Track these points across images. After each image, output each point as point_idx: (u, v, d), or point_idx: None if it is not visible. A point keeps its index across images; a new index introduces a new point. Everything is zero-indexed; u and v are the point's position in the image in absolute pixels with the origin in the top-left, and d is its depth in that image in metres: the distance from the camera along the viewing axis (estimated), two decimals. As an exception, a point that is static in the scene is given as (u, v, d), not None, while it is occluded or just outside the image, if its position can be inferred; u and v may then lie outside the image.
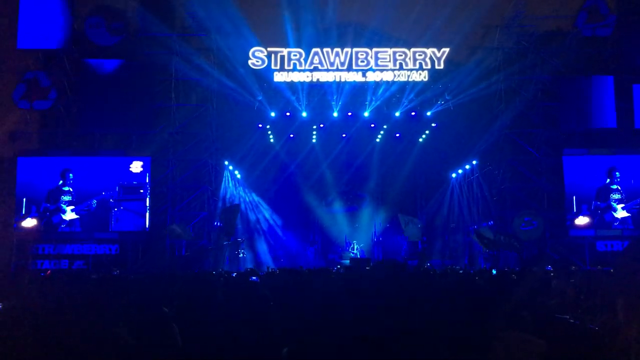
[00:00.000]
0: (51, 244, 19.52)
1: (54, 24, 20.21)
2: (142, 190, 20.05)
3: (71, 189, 19.91)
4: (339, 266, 21.26)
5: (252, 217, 25.81)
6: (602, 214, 20.21)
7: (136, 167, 19.94)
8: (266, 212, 26.78)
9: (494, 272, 10.65)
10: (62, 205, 19.73)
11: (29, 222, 19.49)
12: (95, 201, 19.78)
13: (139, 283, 6.55)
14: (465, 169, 24.77)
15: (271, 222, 26.90)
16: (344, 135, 23.88)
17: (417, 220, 23.51)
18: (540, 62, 20.91)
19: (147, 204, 20.09)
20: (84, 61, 20.78)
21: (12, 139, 21.20)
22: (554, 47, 21.01)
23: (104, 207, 19.91)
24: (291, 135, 23.63)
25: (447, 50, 20.69)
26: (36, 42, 20.21)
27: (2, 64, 20.74)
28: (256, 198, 26.42)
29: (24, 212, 19.58)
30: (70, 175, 20.01)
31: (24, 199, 19.71)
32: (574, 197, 20.27)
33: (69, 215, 19.74)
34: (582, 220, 20.17)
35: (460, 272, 12.87)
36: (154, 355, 3.92)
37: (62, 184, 19.89)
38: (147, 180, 20.08)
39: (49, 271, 17.86)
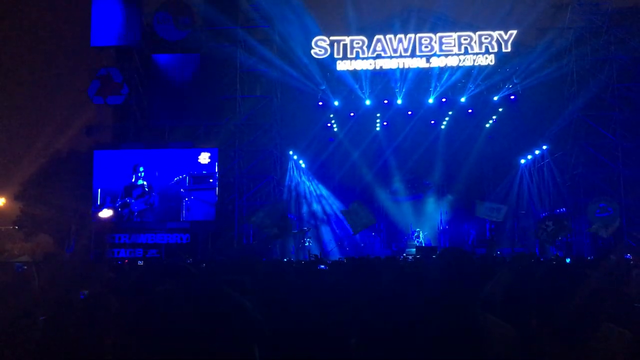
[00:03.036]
0: (126, 233, 20.34)
1: (125, 21, 21.00)
2: (211, 180, 20.52)
3: (145, 182, 20.64)
4: (404, 254, 21.14)
5: (316, 206, 26.02)
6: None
7: (204, 158, 20.44)
8: (330, 200, 26.89)
9: (568, 260, 10.30)
10: (132, 200, 20.47)
11: (106, 213, 20.37)
12: (155, 197, 20.42)
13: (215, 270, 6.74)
14: (535, 154, 23.98)
15: (336, 210, 27.00)
16: (407, 122, 23.58)
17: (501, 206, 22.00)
18: (615, 42, 19.92)
19: (216, 194, 20.58)
20: (153, 56, 21.50)
21: (88, 133, 22.25)
22: (630, 24, 19.94)
23: (176, 198, 20.52)
24: (354, 123, 23.55)
25: (514, 32, 20.04)
26: (109, 39, 21.09)
27: (78, 62, 21.75)
28: (321, 187, 26.59)
29: (99, 203, 20.50)
30: (141, 168, 20.70)
31: (99, 190, 20.62)
32: (653, 183, 19.29)
33: (137, 207, 20.46)
34: (661, 207, 19.18)
35: (532, 260, 12.50)
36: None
37: (134, 180, 20.67)
38: (215, 171, 20.56)
39: (126, 260, 18.73)
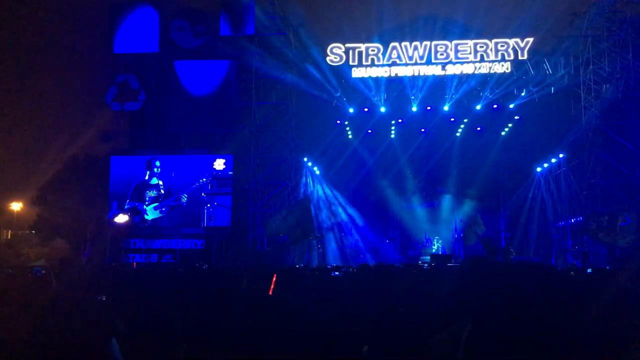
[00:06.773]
0: (141, 238, 20.43)
1: (143, 29, 21.20)
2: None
3: (160, 182, 20.54)
4: (419, 262, 21.03)
5: (331, 212, 25.96)
6: None
7: (219, 164, 20.48)
8: (345, 207, 26.83)
9: (589, 270, 10.16)
10: (144, 206, 20.38)
11: (121, 218, 20.48)
12: (185, 195, 20.28)
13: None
14: (552, 162, 23.77)
15: (350, 217, 26.92)
16: (422, 129, 23.52)
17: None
18: (634, 49, 19.70)
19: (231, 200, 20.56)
20: (169, 63, 21.65)
21: (105, 140, 22.45)
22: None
23: (197, 203, 20.33)
24: (369, 131, 23.53)
25: (530, 40, 19.95)
26: (128, 46, 21.31)
27: (95, 68, 21.97)
28: (335, 194, 26.53)
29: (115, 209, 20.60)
30: (157, 163, 20.51)
31: (116, 196, 20.70)
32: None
33: (151, 214, 20.41)
34: (681, 216, 18.86)
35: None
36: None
37: (148, 177, 20.54)
38: (231, 177, 20.56)
39: (134, 264, 18.78)
